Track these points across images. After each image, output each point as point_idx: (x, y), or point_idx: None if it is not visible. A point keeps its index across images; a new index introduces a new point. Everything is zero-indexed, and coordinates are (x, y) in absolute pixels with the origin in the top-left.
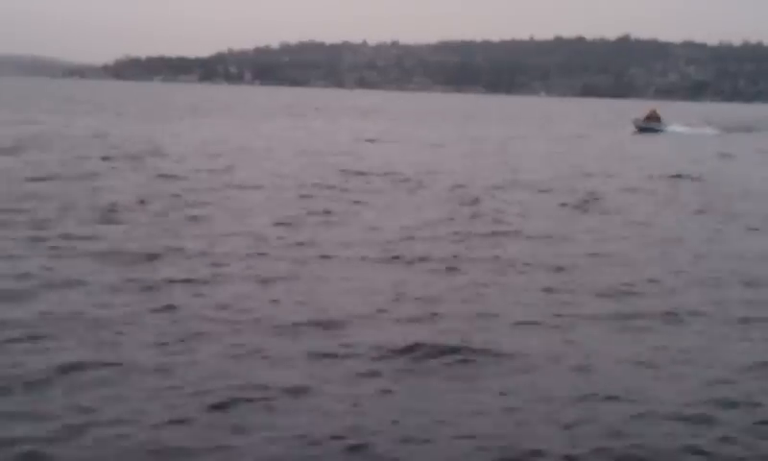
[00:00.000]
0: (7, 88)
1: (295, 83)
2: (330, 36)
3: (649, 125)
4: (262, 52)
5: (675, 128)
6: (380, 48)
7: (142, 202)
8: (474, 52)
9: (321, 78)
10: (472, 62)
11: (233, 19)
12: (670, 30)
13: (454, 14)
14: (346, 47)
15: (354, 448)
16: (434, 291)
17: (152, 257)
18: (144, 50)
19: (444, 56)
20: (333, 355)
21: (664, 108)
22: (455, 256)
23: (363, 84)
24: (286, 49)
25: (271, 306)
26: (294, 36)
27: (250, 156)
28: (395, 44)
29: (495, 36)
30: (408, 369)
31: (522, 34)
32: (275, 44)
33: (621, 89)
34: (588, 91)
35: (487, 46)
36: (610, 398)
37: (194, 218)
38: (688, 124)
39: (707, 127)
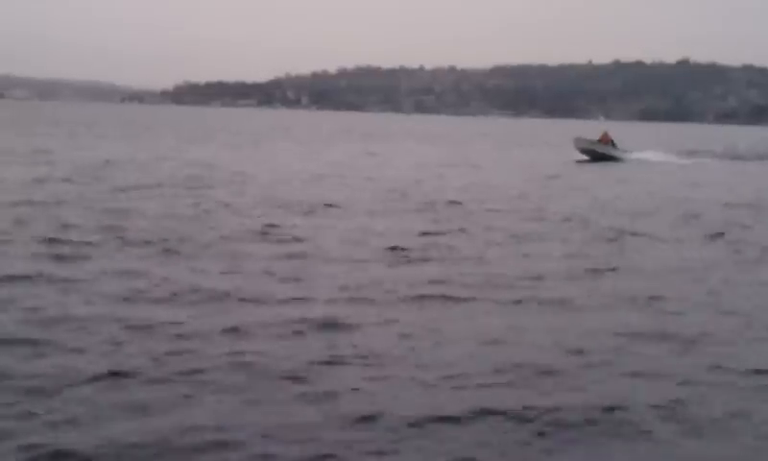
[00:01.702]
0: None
1: (352, 107)
2: (388, 60)
3: (601, 149)
4: (320, 77)
5: (646, 155)
6: (437, 73)
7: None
8: (532, 76)
9: (378, 103)
10: (530, 87)
11: (292, 45)
12: (730, 53)
13: (512, 39)
14: (403, 72)
15: None
16: None
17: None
18: (203, 75)
19: (501, 80)
20: None
21: (719, 132)
22: None
23: (420, 108)
24: (343, 74)
25: None
26: (351, 60)
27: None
28: (452, 69)
29: (553, 61)
30: None
31: (580, 58)
32: (332, 69)
33: (680, 114)
34: (647, 115)
35: (545, 70)
36: None
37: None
38: (688, 152)
39: (708, 156)
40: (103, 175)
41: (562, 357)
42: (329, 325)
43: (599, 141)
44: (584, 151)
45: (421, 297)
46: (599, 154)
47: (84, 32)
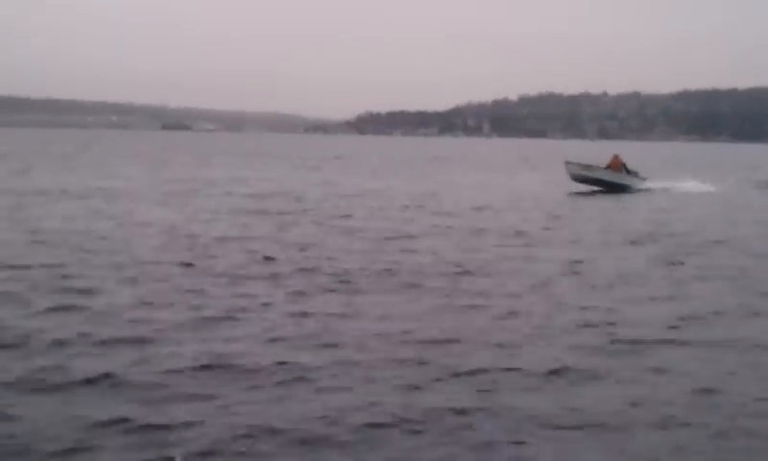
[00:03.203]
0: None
1: (533, 134)
2: (570, 87)
3: (599, 175)
4: (500, 104)
5: (667, 184)
6: (621, 98)
7: None
8: (719, 100)
9: (559, 129)
10: (717, 111)
11: (473, 73)
12: None
13: (697, 63)
14: (585, 98)
15: None
16: None
17: None
18: (384, 105)
19: (687, 104)
20: None
21: None
22: None
23: (603, 134)
24: (525, 101)
25: None
26: (532, 87)
27: None
28: (636, 94)
29: (741, 84)
30: None
31: None
32: (513, 96)
33: None
34: None
35: (732, 94)
36: None
37: None
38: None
39: None
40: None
41: None
42: None
43: (608, 167)
44: (577, 178)
45: None
46: (595, 180)
47: (268, 63)
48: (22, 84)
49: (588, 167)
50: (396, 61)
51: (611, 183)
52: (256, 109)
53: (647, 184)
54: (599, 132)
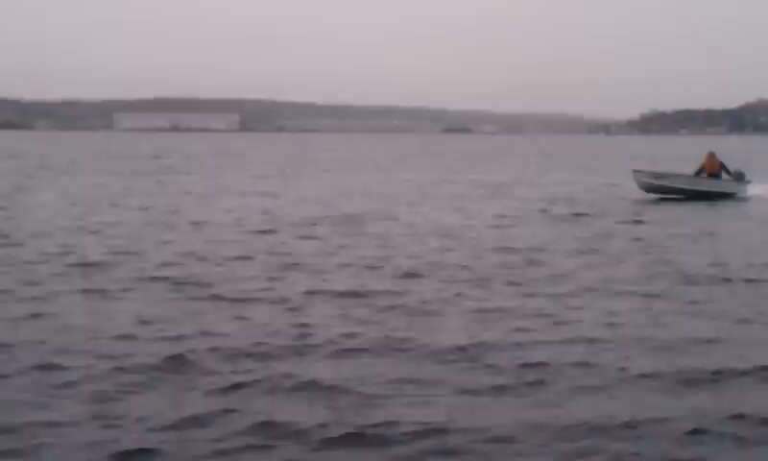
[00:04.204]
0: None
1: None
2: None
3: (675, 183)
4: None
5: None
6: None
7: None
8: None
9: None
10: None
11: (763, 67)
12: None
13: None
14: None
15: None
16: None
17: None
18: (670, 103)
19: None
20: None
21: None
22: None
23: None
24: None
25: None
26: None
27: None
28: None
29: None
30: None
31: None
32: None
33: None
34: None
35: None
36: None
37: None
38: None
39: None
40: None
41: None
42: None
43: (701, 170)
44: (649, 189)
45: None
46: (675, 189)
47: (547, 63)
48: (310, 91)
49: (661, 176)
50: (681, 57)
51: (695, 192)
52: (536, 110)
53: (751, 190)
54: None
